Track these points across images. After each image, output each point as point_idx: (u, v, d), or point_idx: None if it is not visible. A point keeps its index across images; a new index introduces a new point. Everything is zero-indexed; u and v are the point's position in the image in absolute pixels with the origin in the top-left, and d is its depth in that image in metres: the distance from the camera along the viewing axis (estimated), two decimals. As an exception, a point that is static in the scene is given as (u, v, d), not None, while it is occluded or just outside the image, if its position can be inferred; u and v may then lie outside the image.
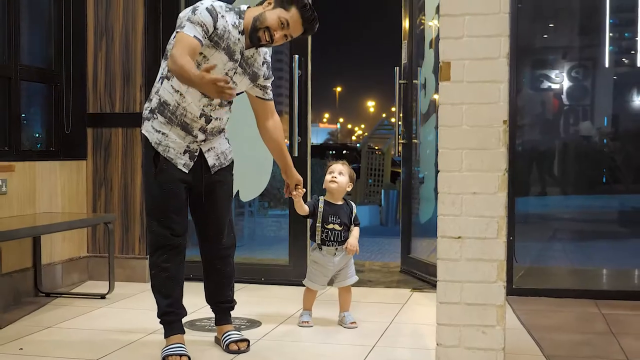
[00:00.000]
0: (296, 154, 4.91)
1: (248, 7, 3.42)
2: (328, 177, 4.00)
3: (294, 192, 3.77)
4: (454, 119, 2.56)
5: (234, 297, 3.72)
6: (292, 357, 3.47)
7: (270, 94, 3.64)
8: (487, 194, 2.54)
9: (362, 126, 79.40)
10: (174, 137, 3.38)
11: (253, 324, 4.06)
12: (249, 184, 5.30)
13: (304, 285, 4.17)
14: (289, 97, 5.00)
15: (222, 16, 3.31)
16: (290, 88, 4.99)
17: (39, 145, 5.26)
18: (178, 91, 3.34)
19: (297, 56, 4.96)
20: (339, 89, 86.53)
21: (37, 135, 5.31)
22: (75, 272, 5.14)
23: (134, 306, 4.49)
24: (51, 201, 4.91)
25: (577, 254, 6.96)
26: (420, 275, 5.37)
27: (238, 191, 5.29)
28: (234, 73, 3.41)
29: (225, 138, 3.63)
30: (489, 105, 2.54)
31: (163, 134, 3.38)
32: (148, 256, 3.55)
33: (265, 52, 3.57)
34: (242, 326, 3.97)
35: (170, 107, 3.37)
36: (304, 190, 3.86)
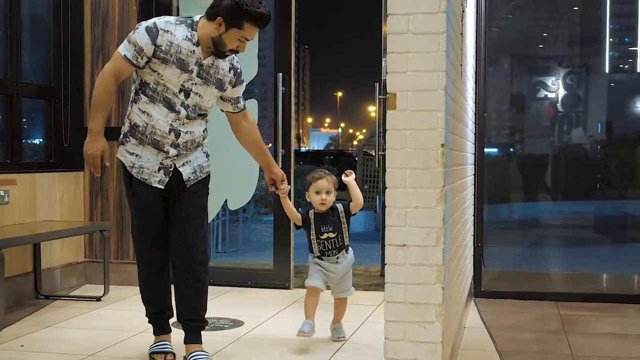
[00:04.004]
0: (280, 166, 5.42)
1: (201, 17, 3.59)
2: (316, 198, 4.11)
3: (281, 187, 3.97)
4: (399, 143, 3.07)
5: (206, 317, 3.77)
6: (267, 351, 3.98)
7: (242, 104, 3.84)
8: (428, 207, 3.05)
9: (364, 131, 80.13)
10: (147, 156, 3.61)
11: (236, 323, 4.57)
12: (236, 192, 5.80)
13: (287, 288, 4.48)
14: (274, 112, 5.53)
15: (167, 31, 3.50)
16: (275, 103, 5.52)
17: (39, 158, 5.78)
18: (145, 112, 3.57)
19: (280, 74, 5.49)
20: (340, 93, 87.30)
21: (37, 148, 5.83)
22: (73, 277, 5.68)
23: (127, 307, 5.01)
24: (50, 210, 5.44)
25: (559, 259, 7.43)
26: (398, 279, 5.83)
27: (226, 200, 5.80)
28: (193, 84, 3.57)
29: (204, 152, 3.78)
30: (429, 131, 3.05)
31: (136, 155, 3.62)
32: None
33: (232, 58, 3.72)
34: (226, 325, 4.49)
35: (140, 128, 3.59)
36: (289, 186, 4.10)
